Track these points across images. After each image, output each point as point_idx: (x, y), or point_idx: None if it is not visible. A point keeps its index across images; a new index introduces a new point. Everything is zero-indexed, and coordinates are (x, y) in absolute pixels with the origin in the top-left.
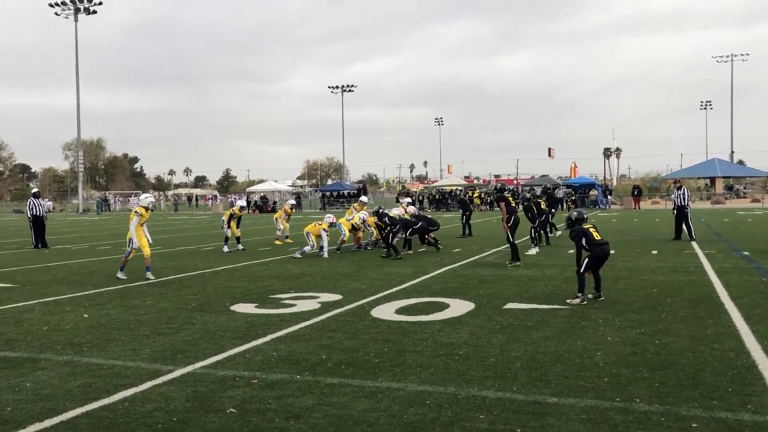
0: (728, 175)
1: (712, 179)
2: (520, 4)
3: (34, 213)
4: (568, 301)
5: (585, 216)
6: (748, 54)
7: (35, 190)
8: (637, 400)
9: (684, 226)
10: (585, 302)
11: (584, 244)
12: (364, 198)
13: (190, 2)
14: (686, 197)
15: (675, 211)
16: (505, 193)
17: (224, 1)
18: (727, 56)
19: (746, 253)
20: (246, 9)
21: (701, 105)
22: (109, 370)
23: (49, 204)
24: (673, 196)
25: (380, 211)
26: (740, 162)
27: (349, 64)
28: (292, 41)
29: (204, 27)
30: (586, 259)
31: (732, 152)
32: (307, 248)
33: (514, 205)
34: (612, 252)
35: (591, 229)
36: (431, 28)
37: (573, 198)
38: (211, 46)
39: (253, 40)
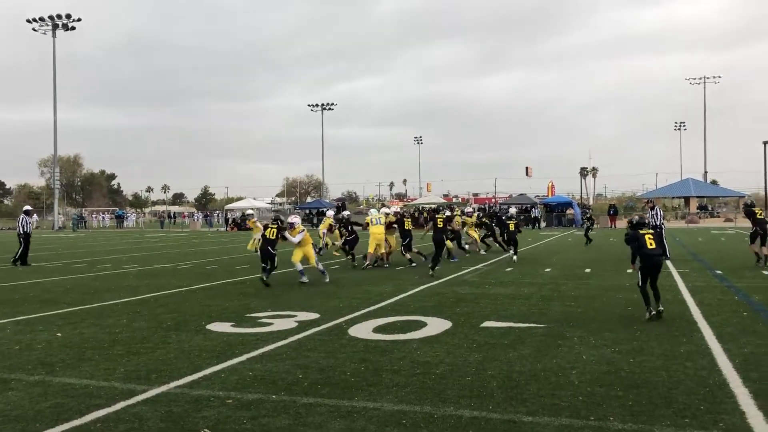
0: (702, 195)
1: (687, 199)
2: (503, 27)
3: (26, 230)
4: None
5: (645, 221)
6: (720, 77)
7: (27, 207)
8: (611, 418)
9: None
10: (650, 314)
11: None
12: (329, 212)
13: (175, 23)
14: (659, 217)
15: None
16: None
17: (209, 22)
18: (701, 78)
19: (719, 271)
20: (231, 30)
21: (676, 126)
22: (81, 390)
23: (36, 219)
24: (647, 216)
25: (345, 217)
26: (713, 182)
27: (332, 84)
28: (275, 62)
29: (188, 47)
30: (639, 272)
31: (705, 172)
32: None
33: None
34: (587, 270)
35: (647, 237)
36: (414, 50)
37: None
38: (195, 65)
39: (236, 61)
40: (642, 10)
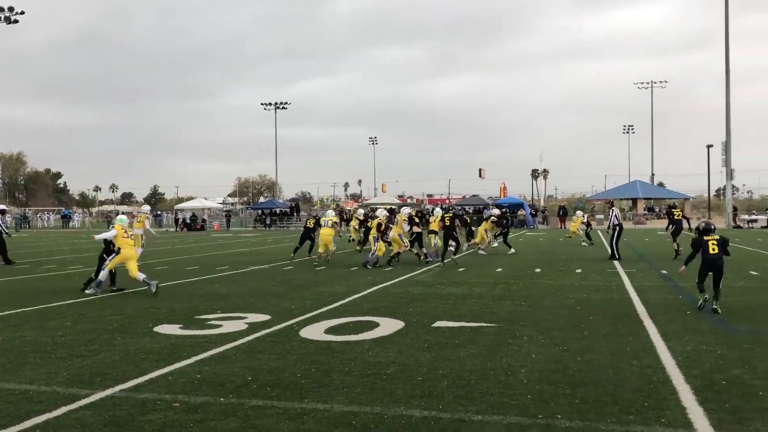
0: (649, 197)
1: (634, 200)
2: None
3: (3, 229)
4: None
5: (712, 227)
6: (666, 82)
7: (2, 207)
8: (559, 416)
9: (614, 244)
10: (705, 301)
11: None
12: (381, 211)
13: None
14: (615, 217)
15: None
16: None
17: (161, 19)
18: (648, 83)
19: (664, 271)
20: (183, 28)
21: (624, 129)
22: (21, 396)
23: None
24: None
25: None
26: (660, 184)
27: (288, 83)
28: (230, 60)
29: (139, 44)
30: (698, 273)
31: (653, 174)
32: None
33: None
34: (538, 270)
35: (711, 242)
36: (370, 51)
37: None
38: (145, 63)
39: (188, 59)
40: (592, 16)
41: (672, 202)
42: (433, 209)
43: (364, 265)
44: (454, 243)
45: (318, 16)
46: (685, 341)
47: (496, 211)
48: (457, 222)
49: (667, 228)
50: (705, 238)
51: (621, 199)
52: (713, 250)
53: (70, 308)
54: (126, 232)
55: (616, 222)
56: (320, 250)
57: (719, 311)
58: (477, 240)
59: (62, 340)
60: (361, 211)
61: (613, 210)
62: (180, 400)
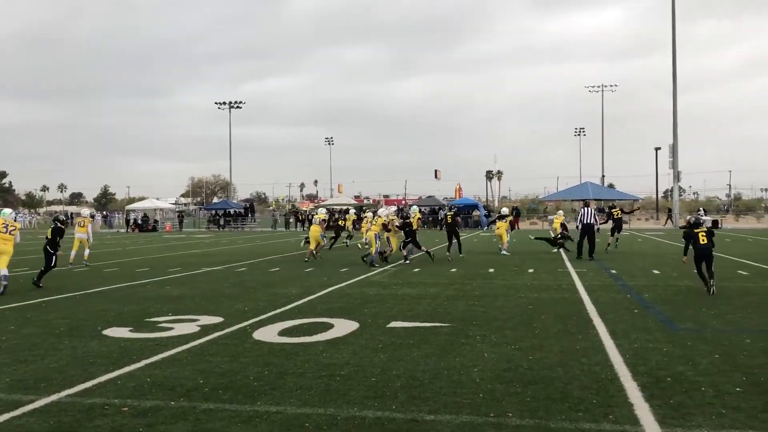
0: (600, 198)
1: (586, 201)
2: (415, 32)
3: None
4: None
5: (702, 221)
6: (616, 85)
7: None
8: (510, 414)
9: (588, 242)
10: (710, 290)
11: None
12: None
13: (80, 16)
14: (590, 215)
15: (596, 230)
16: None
17: (114, 16)
18: (599, 87)
19: (614, 271)
20: (136, 25)
21: (575, 131)
22: None
23: None
24: (580, 213)
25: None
26: (611, 185)
27: (245, 82)
28: (186, 58)
29: (90, 41)
30: (694, 261)
31: (603, 176)
32: None
33: None
34: (491, 270)
35: (700, 234)
36: (327, 50)
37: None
38: (97, 60)
39: (144, 56)
40: (545, 20)
41: (611, 203)
42: (410, 207)
43: (371, 264)
44: (456, 239)
45: (277, 16)
46: (632, 339)
47: (505, 210)
48: (458, 220)
49: (613, 227)
50: (695, 230)
51: (573, 200)
52: (703, 240)
53: (14, 312)
54: (6, 227)
55: (590, 221)
56: (311, 246)
57: (715, 290)
58: (504, 239)
59: (5, 345)
60: (323, 210)
61: (587, 209)
62: (129, 404)
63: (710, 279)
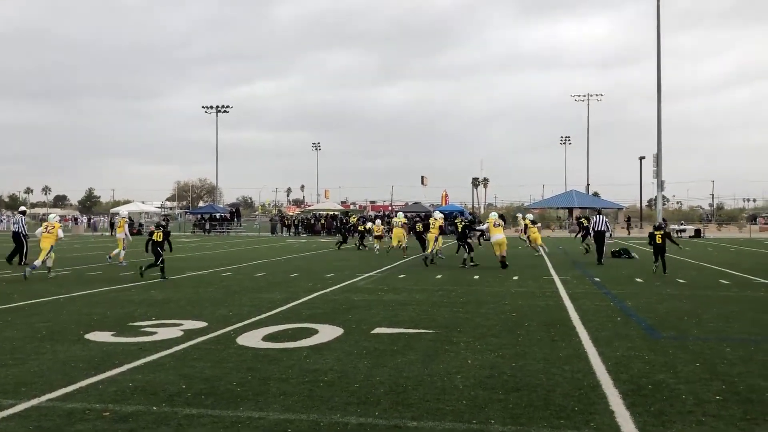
0: (584, 206)
1: (570, 209)
2: (403, 38)
3: (23, 231)
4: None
5: (662, 226)
6: (602, 95)
7: (23, 208)
8: (492, 421)
9: (596, 249)
10: (656, 268)
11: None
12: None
13: (66, 16)
14: (602, 223)
15: (594, 236)
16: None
17: (102, 17)
18: (584, 96)
19: (597, 279)
20: (125, 27)
21: (561, 140)
22: None
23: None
24: (593, 220)
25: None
26: (595, 194)
27: (232, 86)
28: (173, 61)
29: (78, 42)
30: (653, 252)
31: (588, 184)
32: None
33: None
34: (476, 277)
35: (658, 235)
36: (314, 56)
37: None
38: (84, 61)
39: (131, 58)
40: (532, 29)
41: (579, 213)
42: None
43: (425, 262)
44: (467, 247)
45: (264, 20)
46: (614, 347)
47: (530, 216)
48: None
49: (577, 234)
50: (655, 232)
51: (558, 208)
52: (659, 240)
53: None
54: (46, 228)
55: (602, 228)
56: (393, 243)
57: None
58: (534, 242)
59: None
60: (401, 214)
61: (600, 217)
62: (110, 409)
63: (656, 262)
